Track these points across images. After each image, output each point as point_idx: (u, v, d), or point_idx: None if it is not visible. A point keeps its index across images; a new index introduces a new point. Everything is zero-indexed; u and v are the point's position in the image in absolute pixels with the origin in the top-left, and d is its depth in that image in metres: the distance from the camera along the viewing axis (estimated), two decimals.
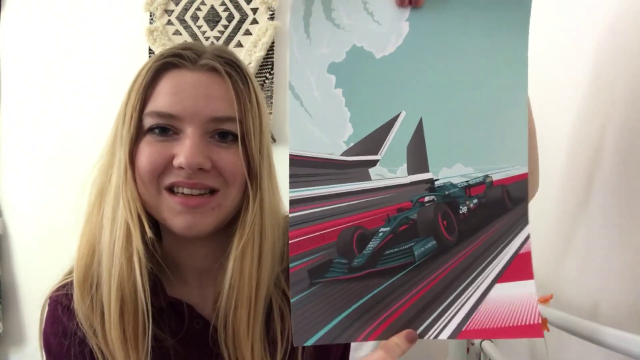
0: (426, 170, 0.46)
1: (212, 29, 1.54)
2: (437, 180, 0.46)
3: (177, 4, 1.55)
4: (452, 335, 0.45)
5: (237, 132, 0.57)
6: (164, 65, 0.58)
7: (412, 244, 0.46)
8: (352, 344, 0.70)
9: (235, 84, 0.58)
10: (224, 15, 1.54)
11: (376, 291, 0.46)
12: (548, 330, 0.69)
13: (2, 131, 1.60)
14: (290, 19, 0.47)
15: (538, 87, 0.96)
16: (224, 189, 0.57)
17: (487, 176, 0.46)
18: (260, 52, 1.50)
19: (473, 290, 0.45)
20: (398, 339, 0.45)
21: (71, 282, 0.60)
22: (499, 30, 0.45)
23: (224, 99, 0.57)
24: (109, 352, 0.56)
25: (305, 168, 0.46)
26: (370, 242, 0.46)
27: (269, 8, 1.52)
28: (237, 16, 1.54)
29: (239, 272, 0.57)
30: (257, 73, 1.51)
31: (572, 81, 0.83)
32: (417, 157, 0.46)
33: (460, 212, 0.46)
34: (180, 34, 1.55)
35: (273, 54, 1.52)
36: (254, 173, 0.58)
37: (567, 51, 0.84)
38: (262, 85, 1.52)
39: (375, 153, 0.46)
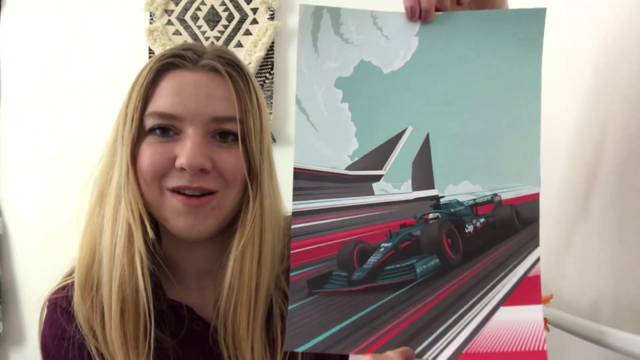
0: (431, 186, 0.45)
1: (212, 29, 1.54)
2: (442, 197, 0.45)
3: (177, 4, 1.55)
4: (452, 357, 0.43)
5: (238, 132, 0.57)
6: (165, 65, 0.58)
7: (414, 260, 0.45)
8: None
9: (235, 84, 0.58)
10: (224, 15, 1.54)
11: (375, 306, 0.45)
12: (548, 330, 0.69)
13: (2, 131, 1.60)
14: (299, 33, 0.46)
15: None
16: (224, 190, 0.57)
17: (495, 195, 0.45)
18: (260, 52, 1.50)
19: (476, 312, 0.44)
20: (393, 354, 0.43)
21: (71, 284, 0.60)
22: (512, 46, 0.44)
23: (225, 99, 0.57)
24: (108, 354, 0.56)
25: (309, 181, 0.46)
26: (371, 257, 0.45)
27: (269, 8, 1.51)
28: (237, 16, 1.54)
29: (238, 272, 0.57)
30: (257, 73, 1.51)
31: (572, 82, 0.83)
32: (423, 173, 0.45)
33: (466, 231, 0.45)
34: (180, 34, 1.55)
35: (273, 54, 1.52)
36: (255, 173, 0.58)
37: (569, 53, 0.84)
38: (262, 85, 1.51)
39: (380, 168, 0.46)
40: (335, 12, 0.46)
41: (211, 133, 0.57)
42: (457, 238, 0.45)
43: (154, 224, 0.60)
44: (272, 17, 1.52)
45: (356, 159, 0.46)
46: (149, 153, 0.56)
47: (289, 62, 1.54)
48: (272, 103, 1.51)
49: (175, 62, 0.58)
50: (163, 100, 0.57)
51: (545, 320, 0.68)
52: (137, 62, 1.65)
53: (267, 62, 1.52)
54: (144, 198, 0.57)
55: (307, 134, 0.46)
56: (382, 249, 0.45)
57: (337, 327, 0.45)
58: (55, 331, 0.60)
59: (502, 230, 0.45)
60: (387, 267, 0.45)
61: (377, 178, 0.46)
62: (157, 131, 0.57)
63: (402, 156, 0.45)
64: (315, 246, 0.46)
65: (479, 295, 0.44)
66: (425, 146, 0.45)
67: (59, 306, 0.60)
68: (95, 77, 1.57)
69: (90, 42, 1.58)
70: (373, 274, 0.45)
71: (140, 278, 0.54)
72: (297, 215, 0.46)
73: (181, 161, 0.54)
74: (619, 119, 0.69)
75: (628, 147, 0.66)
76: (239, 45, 1.53)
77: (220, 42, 1.54)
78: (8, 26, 1.61)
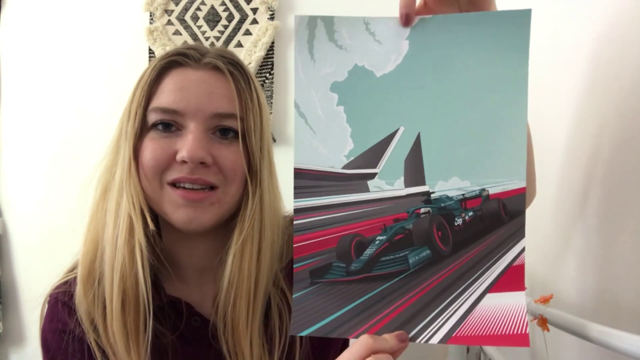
0: (423, 183, 0.48)
1: (212, 29, 1.54)
2: (433, 192, 0.48)
3: (177, 4, 1.55)
4: (442, 340, 0.46)
5: (238, 129, 0.59)
6: (169, 63, 0.60)
7: (407, 252, 0.48)
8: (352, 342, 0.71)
9: (237, 83, 0.60)
10: (224, 15, 1.54)
11: (371, 294, 0.48)
12: (548, 330, 0.69)
13: (2, 131, 1.60)
14: (295, 42, 0.48)
15: (536, 87, 0.96)
16: (223, 185, 0.59)
17: (483, 190, 0.47)
18: (260, 52, 1.50)
19: (465, 299, 0.47)
20: (388, 336, 0.46)
21: (72, 279, 0.61)
22: (499, 46, 0.46)
23: (226, 97, 0.59)
24: (109, 347, 0.57)
25: (308, 180, 0.49)
26: (367, 249, 0.48)
27: (269, 8, 1.52)
28: (237, 16, 1.54)
29: (238, 267, 0.58)
30: (257, 73, 1.51)
31: (570, 81, 0.83)
32: (414, 170, 0.48)
33: (455, 224, 0.48)
34: (180, 34, 1.55)
35: (273, 54, 1.52)
36: (254, 170, 0.59)
37: (566, 51, 0.84)
38: (262, 85, 1.51)
39: (374, 166, 0.48)
40: (329, 21, 0.48)
41: (212, 129, 0.59)
42: (447, 231, 0.48)
43: (155, 220, 0.61)
44: (272, 17, 1.52)
45: (352, 158, 0.49)
46: (151, 148, 0.57)
47: (289, 62, 1.54)
48: (272, 103, 1.51)
49: (178, 60, 0.59)
50: (166, 96, 0.58)
51: (545, 320, 0.68)
52: (137, 62, 1.65)
53: (267, 62, 1.52)
54: (145, 192, 0.58)
55: (305, 136, 0.49)
56: (377, 242, 0.48)
57: (337, 314, 0.48)
58: (55, 325, 0.60)
59: (490, 223, 0.47)
60: (382, 259, 0.48)
61: (372, 176, 0.48)
62: (160, 126, 0.58)
63: (395, 155, 0.48)
64: (315, 240, 0.49)
65: (467, 283, 0.47)
66: (417, 145, 0.48)
67: (60, 301, 0.61)
68: (95, 77, 1.57)
69: (90, 42, 1.58)
70: (369, 265, 0.48)
71: (140, 270, 0.56)
72: (298, 212, 0.49)
73: (182, 154, 0.56)
74: (616, 118, 0.69)
75: (626, 146, 0.66)
76: (239, 45, 1.53)
77: (220, 42, 1.54)
78: (8, 26, 1.61)
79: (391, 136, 0.48)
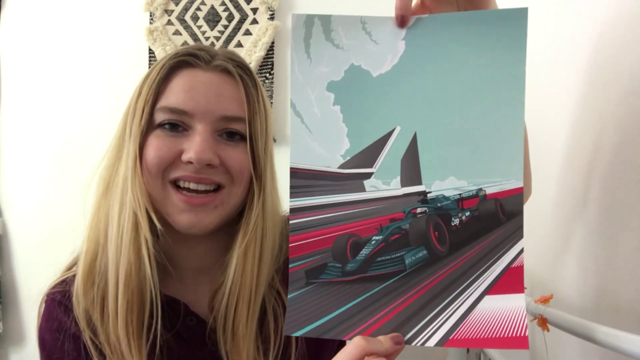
0: (419, 182, 0.47)
1: (212, 29, 1.54)
2: (429, 192, 0.47)
3: (177, 4, 1.55)
4: (439, 343, 0.45)
5: (245, 132, 0.59)
6: (178, 63, 0.60)
7: (403, 252, 0.47)
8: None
9: (246, 86, 0.61)
10: (224, 15, 1.54)
11: (367, 295, 0.47)
12: (548, 330, 0.69)
13: (2, 131, 1.60)
14: (292, 41, 0.49)
15: (535, 87, 0.96)
16: (229, 186, 0.59)
17: (480, 189, 0.47)
18: (260, 52, 1.50)
19: (462, 301, 0.46)
20: (383, 338, 0.46)
21: (70, 279, 0.61)
22: (495, 45, 0.46)
23: (235, 100, 0.59)
24: (107, 345, 0.57)
25: (304, 180, 0.49)
26: (363, 249, 0.48)
27: (269, 8, 1.52)
28: (237, 16, 1.54)
29: (241, 270, 0.58)
30: (257, 73, 1.51)
31: (569, 80, 0.83)
32: (411, 170, 0.47)
33: (452, 224, 0.47)
34: (180, 34, 1.55)
35: (273, 54, 1.52)
36: (259, 173, 0.60)
37: (565, 51, 0.84)
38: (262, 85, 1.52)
39: (370, 166, 0.48)
40: (326, 20, 0.48)
41: (218, 131, 0.59)
42: (443, 231, 0.47)
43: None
44: (272, 17, 1.52)
45: (348, 158, 0.48)
46: (156, 145, 0.57)
47: (289, 62, 1.53)
48: (272, 103, 1.51)
49: (188, 61, 0.59)
50: (175, 95, 0.58)
51: (545, 320, 0.68)
52: (137, 62, 1.65)
53: (267, 62, 1.52)
54: (149, 192, 0.58)
55: (302, 136, 0.49)
56: (373, 242, 0.48)
57: (332, 315, 0.47)
58: (51, 324, 0.60)
59: (487, 223, 0.47)
60: (378, 259, 0.48)
61: (368, 175, 0.48)
62: (166, 126, 0.58)
63: (391, 154, 0.47)
64: (311, 240, 0.48)
65: (465, 285, 0.46)
66: (413, 144, 0.47)
67: (57, 300, 0.61)
68: (96, 77, 1.57)
69: (90, 42, 1.58)
70: (365, 265, 0.48)
71: (147, 268, 0.56)
72: (294, 211, 0.49)
73: (189, 155, 0.56)
74: (616, 118, 0.69)
75: (626, 146, 0.66)
76: (239, 45, 1.53)
77: (220, 42, 1.54)
78: (8, 26, 1.61)
79: (387, 136, 0.47)
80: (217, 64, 0.60)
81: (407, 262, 0.47)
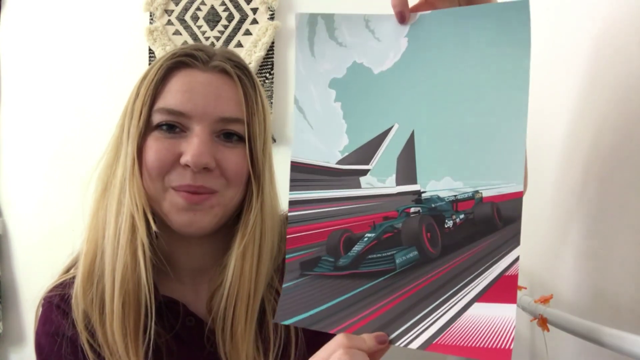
0: (414, 182, 0.47)
1: (212, 29, 1.54)
2: (424, 192, 0.47)
3: (177, 4, 1.55)
4: (422, 347, 0.44)
5: (243, 133, 0.59)
6: (176, 64, 0.59)
7: (395, 251, 0.47)
8: None
9: (244, 87, 0.60)
10: (224, 15, 1.54)
11: (357, 291, 0.47)
12: (548, 330, 0.69)
13: (2, 131, 1.60)
14: (296, 39, 0.49)
15: (533, 86, 0.96)
16: (224, 190, 0.59)
17: (476, 192, 0.45)
18: (260, 52, 1.50)
19: (451, 306, 0.45)
20: (367, 336, 0.45)
21: (68, 281, 0.61)
22: (499, 41, 0.45)
23: (233, 101, 0.59)
24: (106, 347, 0.56)
25: (304, 174, 0.49)
26: (356, 246, 0.48)
27: (269, 8, 1.52)
28: (237, 16, 1.54)
29: (239, 270, 0.58)
30: (257, 73, 1.51)
31: (568, 80, 0.83)
32: (406, 168, 0.47)
33: (446, 226, 0.46)
34: (180, 34, 1.55)
35: (273, 54, 1.52)
36: (257, 174, 0.60)
37: (564, 50, 0.84)
38: (262, 85, 1.52)
39: (367, 163, 0.48)
40: (329, 18, 0.48)
41: (216, 132, 0.58)
42: (436, 232, 0.47)
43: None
44: (272, 17, 1.52)
45: (346, 154, 0.49)
46: (155, 148, 0.57)
47: (289, 62, 1.54)
48: (272, 103, 1.51)
49: (186, 61, 0.59)
50: (173, 97, 0.58)
51: (545, 320, 0.68)
52: (137, 62, 1.65)
53: (267, 62, 1.52)
54: (147, 192, 0.58)
55: (303, 130, 0.49)
56: (365, 239, 0.48)
57: (321, 307, 0.48)
58: (49, 328, 0.60)
59: (482, 228, 0.45)
60: (370, 256, 0.48)
61: (364, 172, 0.48)
62: (164, 127, 0.58)
63: (388, 152, 0.47)
64: (307, 233, 0.49)
65: (454, 289, 0.45)
66: (410, 143, 0.47)
67: (54, 303, 0.61)
68: (95, 77, 1.57)
69: (90, 42, 1.58)
70: (357, 261, 0.48)
71: (142, 270, 0.55)
72: (293, 204, 0.50)
73: (187, 158, 0.55)
74: (615, 117, 0.69)
75: (625, 146, 0.66)
76: (239, 45, 1.53)
77: (220, 42, 1.54)
78: (8, 26, 1.61)
79: (385, 133, 0.47)
80: (215, 64, 0.60)
81: (397, 261, 0.47)
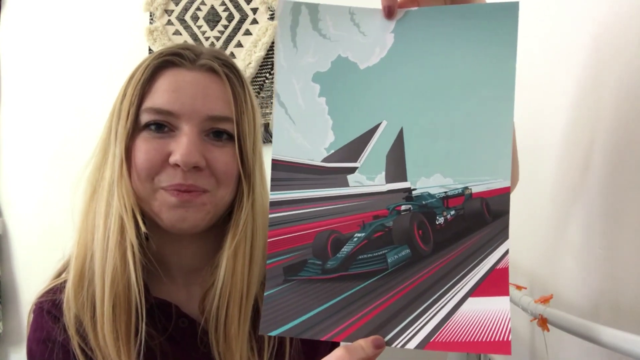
0: (404, 179, 0.46)
1: (212, 29, 1.54)
2: (414, 189, 0.46)
3: (177, 4, 1.55)
4: (420, 346, 0.44)
5: (233, 132, 0.58)
6: (163, 63, 0.59)
7: (386, 250, 0.46)
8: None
9: (232, 85, 0.59)
10: (224, 15, 1.54)
11: (347, 294, 0.46)
12: (548, 330, 0.69)
13: (2, 131, 1.60)
14: (278, 28, 0.47)
15: (533, 85, 0.96)
16: (215, 189, 0.58)
17: (466, 188, 0.46)
18: (260, 52, 1.50)
19: (445, 302, 0.45)
20: (364, 343, 0.44)
21: (59, 286, 0.61)
22: (486, 41, 0.45)
23: (222, 99, 0.59)
24: (98, 350, 0.56)
25: (286, 172, 0.48)
26: (345, 246, 0.47)
27: (269, 8, 1.52)
28: (237, 16, 1.54)
29: (231, 270, 0.58)
30: (257, 73, 1.51)
31: (567, 79, 0.83)
32: (396, 166, 0.46)
33: (437, 223, 0.46)
34: (180, 34, 1.55)
35: (273, 54, 1.52)
36: (248, 173, 0.59)
37: (563, 50, 0.84)
38: (262, 85, 1.52)
39: (355, 160, 0.47)
40: (313, 8, 0.47)
41: (205, 131, 0.58)
42: (427, 229, 0.46)
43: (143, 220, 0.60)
44: (272, 17, 1.52)
45: (332, 151, 0.47)
46: (144, 149, 0.57)
47: None
48: (272, 103, 1.51)
49: (173, 60, 0.59)
50: (160, 96, 0.57)
51: (545, 320, 0.68)
52: (137, 62, 1.65)
53: (267, 62, 1.52)
54: (136, 193, 0.57)
55: (285, 127, 0.47)
56: (355, 239, 0.47)
57: (310, 314, 0.46)
58: (39, 335, 0.59)
59: (473, 223, 0.46)
60: (360, 257, 0.46)
61: (352, 170, 0.47)
62: (152, 127, 0.57)
63: (377, 149, 0.46)
64: (291, 235, 0.47)
65: (448, 286, 0.45)
66: (399, 140, 0.46)
67: (45, 309, 0.60)
68: (95, 77, 1.57)
69: (90, 42, 1.58)
70: (346, 263, 0.46)
71: (132, 272, 0.55)
72: (274, 205, 0.47)
73: (176, 157, 0.55)
74: (615, 117, 0.69)
75: (625, 145, 0.66)
76: (239, 45, 1.53)
77: (220, 42, 1.54)
78: (8, 26, 1.61)
79: (373, 130, 0.47)
80: (202, 63, 0.59)
81: (389, 260, 0.46)
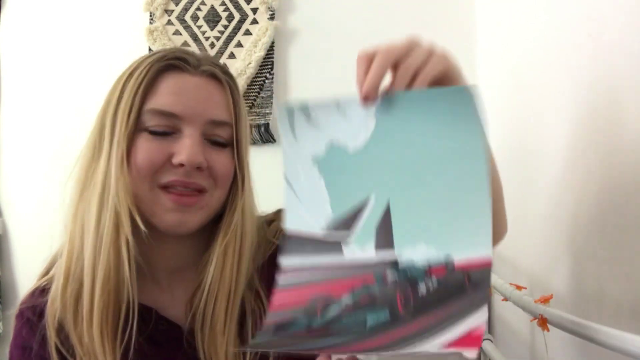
0: (391, 249, 0.50)
1: (212, 29, 1.54)
2: (400, 259, 0.50)
3: (177, 4, 1.55)
4: None
5: (230, 136, 0.61)
6: (166, 67, 0.60)
7: (367, 315, 0.49)
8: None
9: (232, 92, 0.63)
10: (224, 15, 1.54)
11: (325, 345, 0.50)
12: (548, 330, 0.69)
13: (2, 131, 1.61)
14: (279, 126, 0.55)
15: (535, 87, 0.96)
16: (212, 190, 0.60)
17: (448, 258, 0.48)
18: (260, 52, 1.50)
19: (416, 348, 0.47)
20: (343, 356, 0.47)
21: (39, 290, 0.62)
22: (454, 121, 0.49)
23: (222, 104, 0.61)
24: (81, 348, 0.57)
25: (295, 242, 0.53)
26: (332, 309, 0.50)
27: (269, 8, 1.52)
28: (237, 16, 1.54)
29: (220, 267, 0.60)
30: (257, 73, 1.52)
31: (570, 81, 0.83)
32: (384, 237, 0.51)
33: (419, 292, 0.49)
34: (180, 34, 1.55)
35: (273, 54, 1.52)
36: (242, 176, 0.62)
37: (564, 51, 0.85)
38: (262, 85, 1.52)
39: (349, 232, 0.52)
40: (305, 106, 0.53)
41: (205, 135, 0.60)
42: (410, 297, 0.49)
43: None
44: (272, 17, 1.52)
45: (330, 224, 0.53)
46: (146, 149, 0.57)
47: (289, 62, 1.54)
48: (272, 103, 1.51)
49: (177, 64, 0.60)
50: (164, 98, 0.58)
51: (545, 320, 0.68)
52: None
53: (267, 62, 1.52)
54: (134, 192, 0.57)
55: (293, 203, 0.54)
56: (343, 303, 0.51)
57: (291, 348, 0.50)
58: (19, 341, 0.61)
59: (453, 292, 0.48)
60: (344, 320, 0.50)
61: (347, 241, 0.52)
62: (155, 128, 0.58)
63: (367, 222, 0.51)
64: (291, 297, 0.52)
65: (422, 339, 0.47)
66: (387, 213, 0.51)
67: (25, 316, 0.62)
68: (96, 77, 1.57)
69: (90, 42, 1.58)
70: (330, 324, 0.50)
71: (126, 268, 0.56)
72: (285, 270, 0.53)
73: (181, 158, 0.56)
74: (615, 118, 0.69)
75: (625, 146, 0.66)
76: (239, 45, 1.53)
77: (220, 42, 1.54)
78: (8, 26, 1.61)
79: (364, 204, 0.52)
80: (205, 69, 0.61)
81: (368, 324, 0.49)
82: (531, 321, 0.73)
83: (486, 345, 1.00)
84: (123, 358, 0.57)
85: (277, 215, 0.70)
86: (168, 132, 0.58)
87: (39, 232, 1.55)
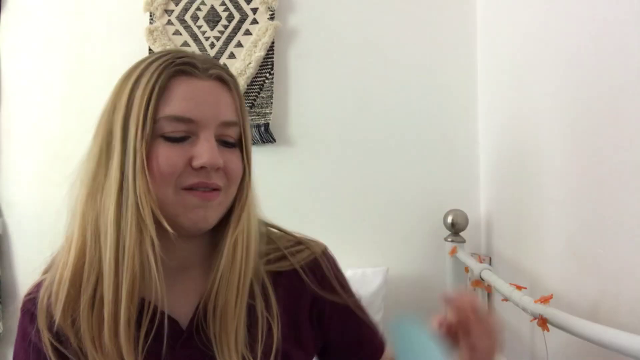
0: None
1: (212, 29, 1.54)
2: None
3: (177, 4, 1.55)
4: None
5: (239, 136, 0.64)
6: (176, 72, 0.61)
7: None
8: None
9: (238, 94, 0.65)
10: (224, 15, 1.54)
11: None
12: (548, 330, 0.69)
13: (2, 131, 1.60)
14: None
15: (535, 87, 0.96)
16: (226, 188, 0.63)
17: None
18: (260, 52, 1.50)
19: None
20: None
21: (37, 285, 0.65)
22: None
23: (231, 106, 0.64)
24: (101, 354, 0.58)
25: None
26: None
27: (269, 8, 1.52)
28: (237, 16, 1.54)
29: (231, 259, 0.63)
30: (257, 73, 1.52)
31: (570, 80, 0.83)
32: None
33: None
34: (180, 34, 1.55)
35: (273, 54, 1.52)
36: (248, 173, 0.66)
37: (565, 51, 0.85)
38: (262, 85, 1.52)
39: None
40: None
41: (217, 136, 0.62)
42: None
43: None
44: (272, 17, 1.52)
45: None
46: (166, 155, 0.59)
47: (289, 62, 1.54)
48: (272, 103, 1.51)
49: (186, 69, 0.61)
50: (179, 104, 0.60)
51: (545, 320, 0.68)
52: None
53: (267, 62, 1.52)
54: (157, 196, 0.59)
55: None
56: None
57: None
58: (20, 334, 0.64)
59: None
60: None
61: None
62: (172, 134, 0.60)
63: None
64: None
65: None
66: None
67: (27, 311, 0.64)
68: (96, 77, 1.57)
69: (90, 42, 1.58)
70: None
71: (154, 268, 0.57)
72: None
73: (203, 161, 0.59)
74: (615, 118, 0.69)
75: (625, 146, 0.66)
76: (239, 45, 1.53)
77: (220, 42, 1.54)
78: (8, 26, 1.61)
79: None
80: (212, 72, 0.63)
81: None
82: (531, 321, 0.73)
83: None
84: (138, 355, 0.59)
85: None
86: (185, 137, 0.60)
87: (39, 232, 1.55)
